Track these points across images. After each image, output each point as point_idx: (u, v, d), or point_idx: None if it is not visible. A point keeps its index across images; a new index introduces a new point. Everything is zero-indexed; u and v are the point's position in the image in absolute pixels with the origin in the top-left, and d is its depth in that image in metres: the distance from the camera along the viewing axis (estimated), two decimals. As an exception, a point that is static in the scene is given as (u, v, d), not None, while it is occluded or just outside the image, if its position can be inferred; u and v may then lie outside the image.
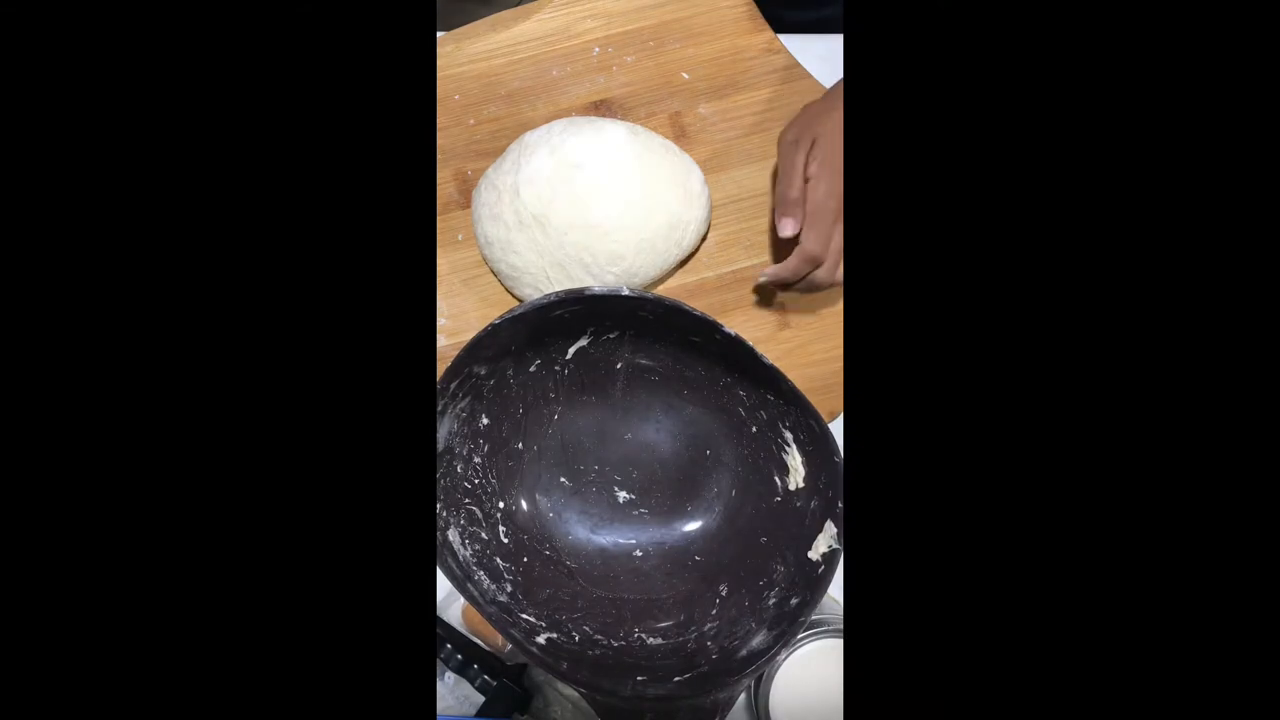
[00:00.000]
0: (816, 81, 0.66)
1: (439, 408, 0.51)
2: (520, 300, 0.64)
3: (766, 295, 0.64)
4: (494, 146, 0.65)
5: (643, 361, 0.57)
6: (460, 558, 0.53)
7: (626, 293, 0.49)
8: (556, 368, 0.57)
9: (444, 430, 0.53)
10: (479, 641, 0.59)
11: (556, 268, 0.60)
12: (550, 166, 0.59)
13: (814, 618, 0.53)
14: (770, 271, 0.57)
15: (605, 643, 0.53)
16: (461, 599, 0.58)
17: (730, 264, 0.65)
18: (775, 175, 0.60)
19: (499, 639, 0.59)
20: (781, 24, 0.67)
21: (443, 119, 0.65)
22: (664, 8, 0.66)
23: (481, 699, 0.57)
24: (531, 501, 0.59)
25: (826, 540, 0.52)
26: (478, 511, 0.56)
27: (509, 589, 0.54)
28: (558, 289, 0.50)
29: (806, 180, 0.55)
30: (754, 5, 0.67)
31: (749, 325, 0.64)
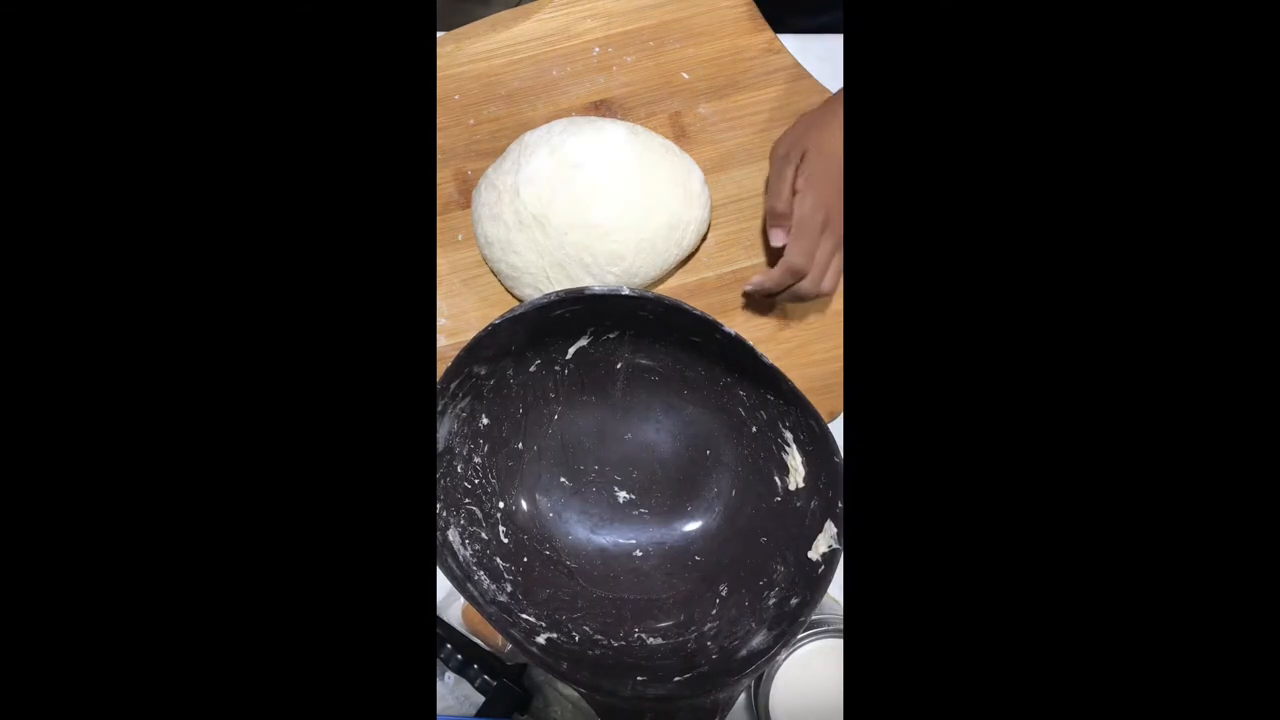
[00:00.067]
0: (816, 81, 0.66)
1: (439, 408, 0.51)
2: (520, 300, 0.64)
3: (758, 301, 0.64)
4: (494, 146, 0.65)
5: (643, 361, 0.57)
6: (460, 558, 0.53)
7: (626, 292, 0.49)
8: (556, 368, 0.57)
9: (444, 430, 0.53)
10: (479, 641, 0.59)
11: (556, 268, 0.60)
12: (550, 166, 0.59)
13: (814, 618, 0.53)
14: (755, 282, 0.58)
15: (605, 643, 0.53)
16: (461, 599, 0.58)
17: (730, 264, 0.65)
18: (768, 186, 0.61)
19: (499, 639, 0.59)
20: (781, 25, 0.67)
21: (443, 119, 0.65)
22: (664, 8, 0.66)
23: (481, 699, 0.57)
24: (531, 501, 0.59)
25: (826, 540, 0.52)
26: (478, 511, 0.56)
27: (509, 589, 0.54)
28: (558, 289, 0.50)
29: (794, 193, 0.55)
30: (754, 5, 0.67)
31: (749, 325, 0.64)
